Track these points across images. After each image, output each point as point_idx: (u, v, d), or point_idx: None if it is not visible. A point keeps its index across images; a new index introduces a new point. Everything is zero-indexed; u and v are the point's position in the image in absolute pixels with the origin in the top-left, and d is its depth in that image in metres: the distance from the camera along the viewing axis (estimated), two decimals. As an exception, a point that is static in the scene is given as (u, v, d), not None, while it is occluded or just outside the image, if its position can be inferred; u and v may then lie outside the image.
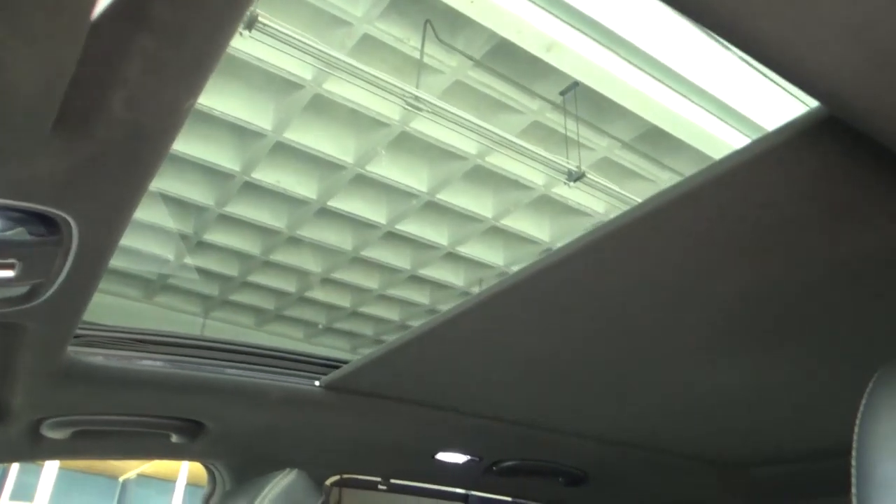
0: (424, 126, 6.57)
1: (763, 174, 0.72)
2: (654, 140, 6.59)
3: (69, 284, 0.79)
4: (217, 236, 8.48)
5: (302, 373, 1.29)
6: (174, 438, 1.30)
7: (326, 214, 8.03)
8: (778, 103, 6.02)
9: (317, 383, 1.26)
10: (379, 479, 1.57)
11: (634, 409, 1.46)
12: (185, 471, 8.60)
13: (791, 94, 5.89)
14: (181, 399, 1.21)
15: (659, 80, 5.31)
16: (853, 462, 0.55)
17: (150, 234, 7.93)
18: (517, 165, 6.98)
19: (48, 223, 0.67)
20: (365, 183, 7.50)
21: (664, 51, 5.32)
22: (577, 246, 0.91)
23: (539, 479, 1.65)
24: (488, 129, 5.53)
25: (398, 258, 9.16)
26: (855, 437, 0.57)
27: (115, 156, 0.59)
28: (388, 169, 7.23)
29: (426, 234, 8.46)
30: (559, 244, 7.85)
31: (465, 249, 8.82)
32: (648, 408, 1.47)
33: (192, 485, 8.60)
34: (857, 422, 0.58)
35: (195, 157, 6.74)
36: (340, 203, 7.79)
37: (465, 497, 1.77)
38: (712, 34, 5.47)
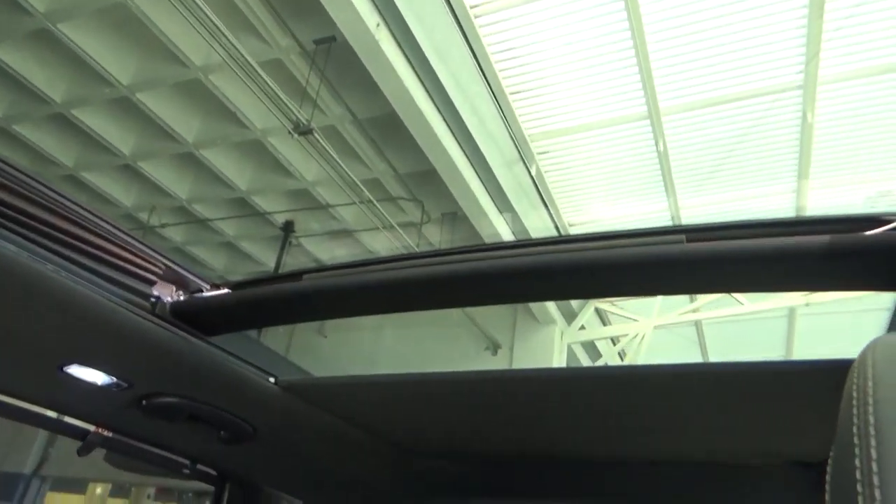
0: (151, 9, 5.57)
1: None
2: (385, 127, 6.56)
3: None
4: None
5: None
6: None
7: (-18, 61, 6.31)
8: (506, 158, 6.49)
9: None
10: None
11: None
12: None
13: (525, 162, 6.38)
14: None
15: (416, 73, 5.27)
16: (871, 464, 0.40)
17: None
18: (242, 96, 6.34)
19: None
20: (50, 44, 6.07)
21: (433, 49, 5.31)
22: None
23: (198, 427, 1.28)
24: (231, 43, 4.87)
25: (61, 150, 7.62)
26: (871, 431, 0.42)
27: None
28: (86, 39, 5.97)
29: (107, 134, 7.20)
30: (255, 197, 7.31)
31: (148, 167, 7.74)
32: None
33: None
34: (870, 410, 0.43)
35: None
36: (8, 55, 6.19)
37: (83, 433, 1.31)
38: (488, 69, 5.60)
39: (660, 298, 8.46)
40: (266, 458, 1.48)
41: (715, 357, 10.31)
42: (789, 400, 1.13)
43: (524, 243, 0.92)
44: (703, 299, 8.36)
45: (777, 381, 1.07)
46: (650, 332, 8.45)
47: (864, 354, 0.51)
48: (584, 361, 9.44)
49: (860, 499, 0.42)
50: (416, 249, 7.37)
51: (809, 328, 9.25)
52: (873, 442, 0.43)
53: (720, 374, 1.11)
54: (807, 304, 7.92)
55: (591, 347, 9.67)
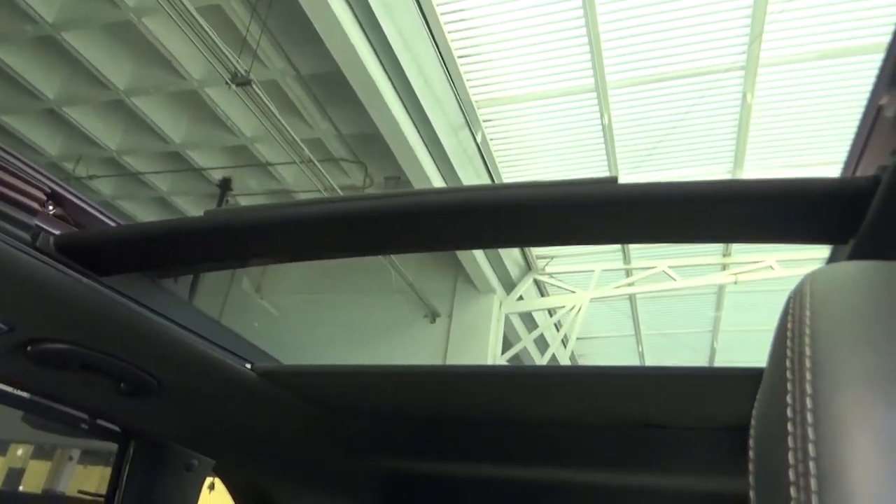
0: (78, -59, 5.20)
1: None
2: (329, 85, 6.36)
3: None
4: None
5: None
6: None
7: None
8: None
9: None
10: None
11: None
12: None
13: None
14: None
15: (363, 29, 5.09)
16: (805, 400, 0.35)
17: None
18: (178, 43, 6.02)
19: None
20: (-36, -29, 5.60)
21: (381, 4, 5.13)
22: None
23: (95, 377, 1.18)
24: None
25: (-22, 90, 7.11)
26: (807, 364, 0.37)
27: None
28: (5, -31, 5.53)
29: (30, 76, 6.75)
30: (190, 151, 7.04)
31: (75, 114, 7.31)
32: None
33: None
34: (807, 342, 0.38)
35: None
36: (-85, -20, 5.69)
37: (-38, 383, 1.19)
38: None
39: (597, 272, 8.59)
40: (173, 413, 1.39)
41: (646, 329, 10.60)
42: (710, 399, 1.25)
43: (455, 189, 0.86)
44: (638, 274, 8.54)
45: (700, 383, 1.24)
46: (586, 304, 8.60)
47: (801, 285, 0.46)
48: (522, 332, 9.55)
49: (790, 439, 0.37)
50: (357, 213, 7.23)
51: (736, 305, 9.59)
52: (808, 376, 0.39)
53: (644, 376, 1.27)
54: (735, 283, 8.19)
55: (528, 318, 9.78)
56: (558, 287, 8.99)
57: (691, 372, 1.22)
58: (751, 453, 0.50)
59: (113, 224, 0.97)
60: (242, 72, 5.10)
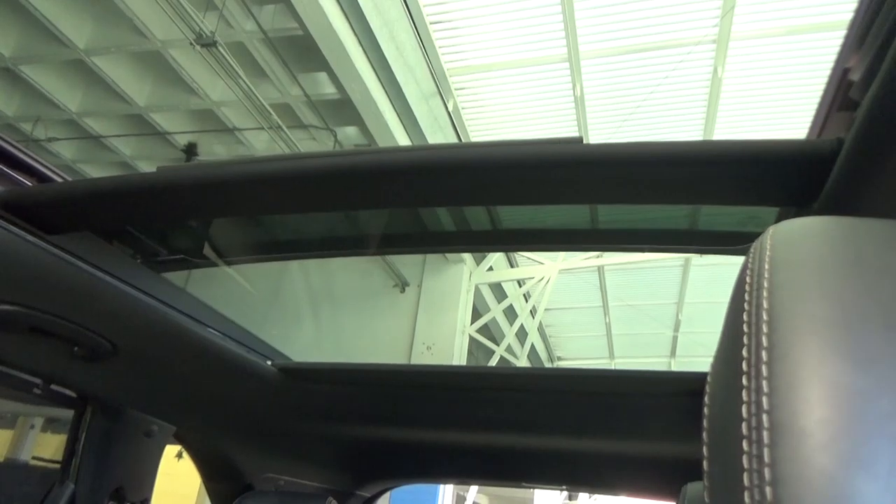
0: None
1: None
2: (299, 49, 6.21)
3: None
4: None
5: None
6: None
7: None
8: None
9: None
10: None
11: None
12: None
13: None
14: None
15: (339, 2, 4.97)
16: (761, 353, 0.34)
17: None
18: (139, 0, 5.81)
19: None
20: None
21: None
22: None
23: (47, 341, 1.14)
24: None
25: (-72, 44, 6.78)
26: (764, 317, 0.36)
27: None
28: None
29: (-17, 31, 6.46)
30: (154, 114, 6.83)
31: (33, 73, 7.04)
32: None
33: None
34: (765, 295, 0.37)
35: None
36: None
37: None
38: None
39: (566, 243, 8.63)
40: (131, 378, 1.36)
41: (613, 300, 10.75)
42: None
43: (416, 147, 0.83)
44: (607, 246, 8.60)
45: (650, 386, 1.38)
46: (555, 275, 8.66)
47: (762, 238, 0.46)
48: (491, 302, 9.60)
49: (745, 392, 0.36)
50: (326, 180, 7.13)
51: (701, 277, 9.76)
52: (765, 328, 0.38)
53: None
54: (701, 255, 8.32)
55: (497, 289, 9.83)
56: (528, 258, 9.03)
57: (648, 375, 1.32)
58: (705, 409, 0.49)
59: (59, 180, 0.92)
60: (207, 32, 4.95)
